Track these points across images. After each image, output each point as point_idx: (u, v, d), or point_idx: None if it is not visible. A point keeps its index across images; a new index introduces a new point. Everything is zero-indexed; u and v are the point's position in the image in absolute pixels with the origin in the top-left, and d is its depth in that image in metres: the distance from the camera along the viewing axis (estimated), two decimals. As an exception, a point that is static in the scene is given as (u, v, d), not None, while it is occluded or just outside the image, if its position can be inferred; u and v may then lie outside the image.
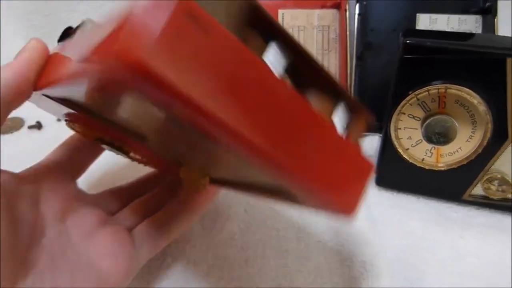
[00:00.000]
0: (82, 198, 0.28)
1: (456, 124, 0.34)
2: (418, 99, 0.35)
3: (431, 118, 0.35)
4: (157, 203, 0.30)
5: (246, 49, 0.16)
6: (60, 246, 0.24)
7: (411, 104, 0.35)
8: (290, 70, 0.19)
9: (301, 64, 0.19)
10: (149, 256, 0.28)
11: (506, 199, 0.36)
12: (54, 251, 0.24)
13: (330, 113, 0.20)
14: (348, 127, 0.21)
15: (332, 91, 0.20)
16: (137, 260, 0.27)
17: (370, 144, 0.44)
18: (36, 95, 0.24)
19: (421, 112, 0.35)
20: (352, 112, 0.21)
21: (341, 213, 0.19)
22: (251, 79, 0.16)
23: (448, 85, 0.33)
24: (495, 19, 0.44)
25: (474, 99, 0.33)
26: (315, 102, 0.19)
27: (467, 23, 0.46)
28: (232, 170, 0.24)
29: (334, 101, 0.20)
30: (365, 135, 0.46)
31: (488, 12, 0.45)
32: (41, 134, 0.49)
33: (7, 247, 0.20)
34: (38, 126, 0.50)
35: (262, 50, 0.18)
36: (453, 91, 0.33)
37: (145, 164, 0.32)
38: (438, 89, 0.34)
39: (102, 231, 0.26)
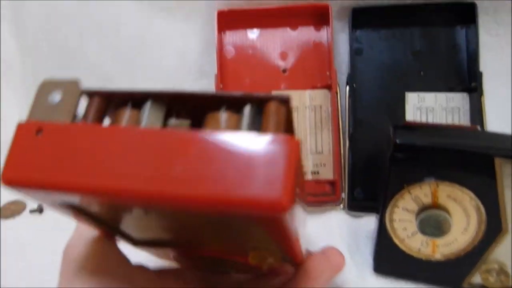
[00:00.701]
0: None
1: (450, 218, 0.35)
2: (410, 193, 0.35)
3: (424, 213, 0.35)
4: None
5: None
6: None
7: (404, 198, 0.36)
8: (180, 113, 0.22)
9: (182, 103, 0.22)
10: None
11: (504, 288, 0.36)
12: None
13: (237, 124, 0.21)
14: (258, 122, 0.21)
15: (231, 105, 0.21)
16: None
17: (367, 225, 0.44)
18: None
19: (414, 206, 0.36)
20: (264, 108, 0.21)
21: (271, 212, 0.19)
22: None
23: (439, 181, 0.34)
24: (482, 98, 0.46)
25: (466, 194, 0.34)
26: (223, 123, 0.21)
27: (454, 100, 0.48)
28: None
29: (239, 112, 0.21)
30: (361, 215, 0.46)
31: (474, 90, 0.46)
32: (42, 218, 0.49)
33: None
34: (40, 210, 0.50)
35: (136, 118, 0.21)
36: (445, 187, 0.34)
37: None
38: (430, 185, 0.34)
39: None
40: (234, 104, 0.21)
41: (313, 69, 0.50)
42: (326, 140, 0.49)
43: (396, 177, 0.35)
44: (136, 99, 0.22)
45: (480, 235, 0.35)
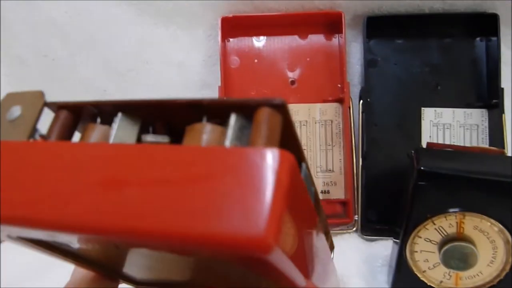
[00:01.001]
0: None
1: (476, 251, 0.32)
2: (434, 224, 0.33)
3: (449, 245, 0.33)
4: None
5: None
6: None
7: (427, 229, 0.33)
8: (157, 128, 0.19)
9: (159, 115, 0.18)
10: None
11: (531, 324, 0.34)
12: None
13: (221, 138, 0.17)
14: (248, 135, 0.17)
15: (214, 115, 0.18)
16: None
17: (383, 251, 0.41)
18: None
19: (438, 236, 0.33)
20: (254, 116, 0.17)
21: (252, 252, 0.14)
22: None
23: (466, 212, 0.31)
24: (503, 116, 0.43)
25: (495, 226, 0.31)
26: (204, 137, 0.17)
27: (472, 117, 0.45)
28: None
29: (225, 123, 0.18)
30: (376, 239, 0.44)
31: (493, 107, 0.44)
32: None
33: None
34: None
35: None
36: (472, 218, 0.32)
37: None
38: (456, 215, 0.32)
39: None
40: (218, 114, 0.17)
41: (324, 81, 0.47)
42: (337, 158, 0.46)
43: (419, 207, 0.32)
44: (106, 112, 0.18)
45: (508, 268, 0.33)
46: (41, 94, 0.19)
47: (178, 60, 0.49)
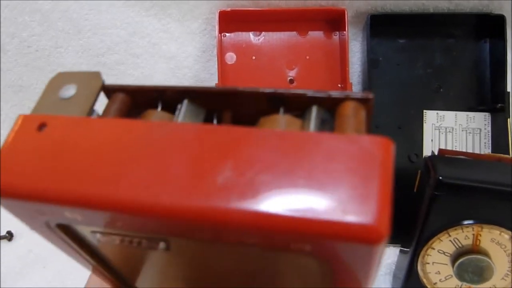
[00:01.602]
0: None
1: (493, 264, 0.31)
2: (449, 235, 0.31)
3: (465, 257, 0.31)
4: None
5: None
6: None
7: (441, 240, 0.32)
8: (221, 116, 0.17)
9: (226, 104, 0.17)
10: None
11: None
12: None
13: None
14: (329, 129, 0.16)
15: (291, 107, 0.17)
16: None
17: (387, 259, 0.40)
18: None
19: (452, 248, 0.32)
20: (337, 110, 0.16)
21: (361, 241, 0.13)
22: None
23: (484, 224, 0.30)
24: (508, 120, 0.42)
25: (513, 239, 0.30)
26: (283, 126, 0.16)
27: (475, 120, 0.44)
28: None
29: (302, 115, 0.17)
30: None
31: (498, 111, 0.43)
32: (11, 246, 0.42)
33: None
34: (9, 237, 0.43)
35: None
36: (491, 230, 0.30)
37: None
38: (473, 227, 0.30)
39: None
40: (295, 106, 0.16)
41: (324, 80, 0.45)
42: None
43: (435, 218, 0.31)
44: (169, 98, 0.17)
45: (522, 281, 0.32)
46: (99, 74, 0.18)
47: (170, 54, 0.45)
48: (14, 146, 0.15)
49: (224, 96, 0.17)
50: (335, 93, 0.16)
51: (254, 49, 0.45)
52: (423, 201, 0.31)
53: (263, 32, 0.45)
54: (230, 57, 0.45)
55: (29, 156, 0.15)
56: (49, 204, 0.14)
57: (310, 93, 0.16)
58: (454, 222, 0.31)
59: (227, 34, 0.45)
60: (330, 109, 0.16)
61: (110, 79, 0.46)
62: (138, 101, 0.18)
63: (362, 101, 0.16)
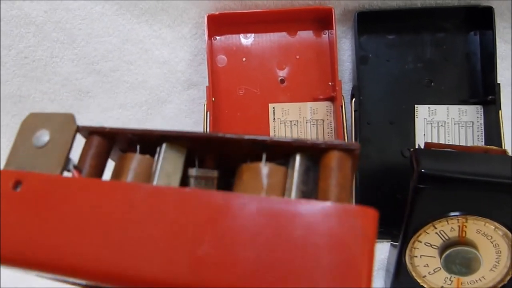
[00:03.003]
0: None
1: (480, 256, 0.31)
2: (435, 228, 0.31)
3: (451, 249, 0.31)
4: None
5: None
6: None
7: (428, 233, 0.32)
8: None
9: (207, 146, 0.17)
10: None
11: (534, 328, 0.33)
12: None
13: (283, 181, 0.16)
14: (313, 177, 0.16)
15: (273, 152, 0.16)
16: None
17: (378, 254, 0.40)
18: None
19: (439, 240, 0.32)
20: (322, 159, 0.16)
21: None
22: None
23: (468, 216, 0.30)
24: (500, 112, 0.42)
25: (499, 230, 0.30)
26: (264, 179, 0.16)
27: (467, 113, 0.44)
28: None
29: (285, 162, 0.17)
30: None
31: (488, 103, 0.43)
32: None
33: None
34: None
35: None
36: (475, 221, 0.30)
37: None
38: (458, 219, 0.30)
39: None
40: (278, 151, 0.16)
41: (314, 79, 0.45)
42: (329, 158, 0.44)
43: (420, 211, 0.31)
44: (147, 141, 0.17)
45: (511, 273, 0.32)
46: (72, 117, 0.17)
47: (163, 59, 0.46)
48: None
49: (206, 141, 0.17)
50: (318, 142, 0.15)
51: (244, 51, 0.46)
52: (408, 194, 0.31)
53: (253, 34, 0.46)
54: (221, 60, 0.46)
55: (4, 219, 0.15)
56: (31, 269, 0.14)
57: (294, 142, 0.16)
58: (439, 214, 0.31)
59: (217, 37, 0.46)
60: (315, 156, 0.16)
61: (106, 87, 0.47)
62: (116, 141, 0.18)
63: (348, 151, 0.15)
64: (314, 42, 0.46)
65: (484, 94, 0.43)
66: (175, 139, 0.17)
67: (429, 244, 0.32)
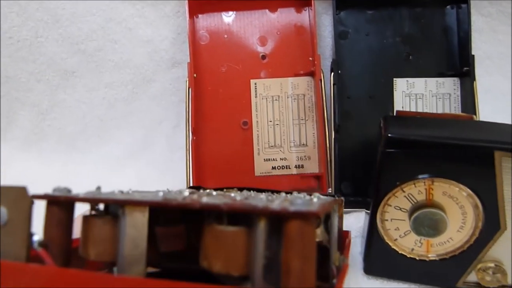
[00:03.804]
0: None
1: (446, 217, 0.32)
2: (404, 191, 0.32)
3: (419, 212, 0.32)
4: None
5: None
6: None
7: (397, 196, 0.33)
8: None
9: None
10: None
11: (503, 287, 0.34)
12: None
13: (245, 242, 0.16)
14: (277, 239, 0.16)
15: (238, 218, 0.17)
16: None
17: (357, 222, 0.41)
18: None
19: (408, 204, 0.33)
20: (284, 228, 0.16)
21: None
22: None
23: (435, 178, 0.31)
24: (474, 83, 0.43)
25: (463, 191, 0.31)
26: (229, 242, 0.16)
27: (445, 86, 0.45)
28: None
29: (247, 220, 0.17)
30: (350, 212, 0.44)
31: (465, 75, 0.43)
32: None
33: None
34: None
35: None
36: (441, 184, 0.31)
37: None
38: (425, 182, 0.32)
39: None
40: (243, 216, 0.16)
41: (295, 54, 0.46)
42: (310, 132, 0.45)
43: (388, 174, 0.32)
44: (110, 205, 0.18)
45: (477, 233, 0.33)
46: (24, 191, 0.17)
47: (146, 38, 0.47)
48: None
49: (165, 206, 0.17)
50: (277, 210, 0.15)
51: (226, 28, 0.47)
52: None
53: (234, 12, 0.47)
54: (203, 37, 0.47)
55: None
56: None
57: (254, 210, 0.16)
58: (406, 177, 0.32)
59: (199, 15, 0.47)
60: (278, 221, 0.16)
61: (91, 66, 0.48)
62: (73, 206, 0.18)
63: (309, 218, 0.15)
64: (294, 19, 0.47)
65: (461, 66, 0.44)
66: (135, 204, 0.17)
67: (398, 208, 0.33)
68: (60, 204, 0.18)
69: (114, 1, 0.46)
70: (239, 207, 0.16)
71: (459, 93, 0.44)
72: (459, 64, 0.44)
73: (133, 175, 0.46)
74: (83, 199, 0.17)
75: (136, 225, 0.16)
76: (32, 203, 0.17)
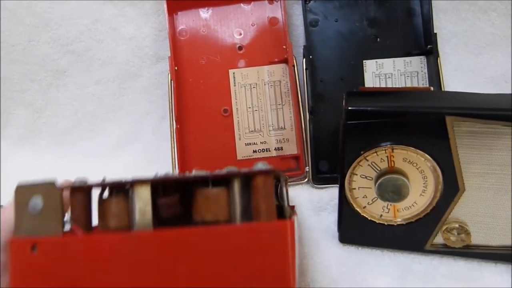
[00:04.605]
0: None
1: (407, 182, 0.35)
2: (367, 160, 0.35)
3: (382, 178, 0.35)
4: None
5: None
6: None
7: (361, 165, 0.35)
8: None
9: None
10: None
11: (467, 246, 0.37)
12: None
13: (227, 199, 0.22)
14: (248, 195, 0.22)
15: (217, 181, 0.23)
16: None
17: (333, 197, 0.44)
18: None
19: (372, 172, 0.36)
20: (251, 182, 0.22)
21: None
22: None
23: (394, 145, 0.34)
24: (438, 59, 0.45)
25: (421, 156, 0.34)
26: (213, 200, 0.22)
27: (412, 64, 0.47)
28: None
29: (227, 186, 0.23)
30: (327, 188, 0.46)
31: (430, 53, 0.46)
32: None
33: None
34: None
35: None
36: (400, 150, 0.34)
37: None
38: (385, 150, 0.34)
39: None
40: (220, 180, 0.22)
41: (270, 44, 0.49)
42: (287, 116, 0.48)
43: (351, 145, 0.35)
44: (122, 186, 0.23)
45: (438, 195, 0.35)
46: (54, 183, 0.22)
47: (129, 35, 0.50)
48: (17, 266, 0.21)
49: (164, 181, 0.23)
50: (245, 171, 0.22)
51: (203, 24, 0.50)
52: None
53: (211, 8, 0.50)
54: (183, 33, 0.50)
55: (31, 275, 0.21)
56: None
57: (229, 174, 0.22)
58: (368, 146, 0.34)
59: (178, 13, 0.50)
60: (248, 180, 0.22)
61: (80, 65, 0.51)
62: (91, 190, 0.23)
63: (269, 173, 0.22)
64: (268, 10, 0.50)
65: (425, 45, 0.46)
66: (140, 182, 0.22)
67: (364, 176, 0.36)
68: (82, 191, 0.23)
69: (97, 3, 0.49)
70: (219, 174, 0.22)
71: (426, 70, 0.47)
72: (424, 43, 0.47)
73: (122, 165, 0.49)
74: (99, 184, 0.23)
75: (143, 198, 0.22)
76: (61, 191, 0.22)
